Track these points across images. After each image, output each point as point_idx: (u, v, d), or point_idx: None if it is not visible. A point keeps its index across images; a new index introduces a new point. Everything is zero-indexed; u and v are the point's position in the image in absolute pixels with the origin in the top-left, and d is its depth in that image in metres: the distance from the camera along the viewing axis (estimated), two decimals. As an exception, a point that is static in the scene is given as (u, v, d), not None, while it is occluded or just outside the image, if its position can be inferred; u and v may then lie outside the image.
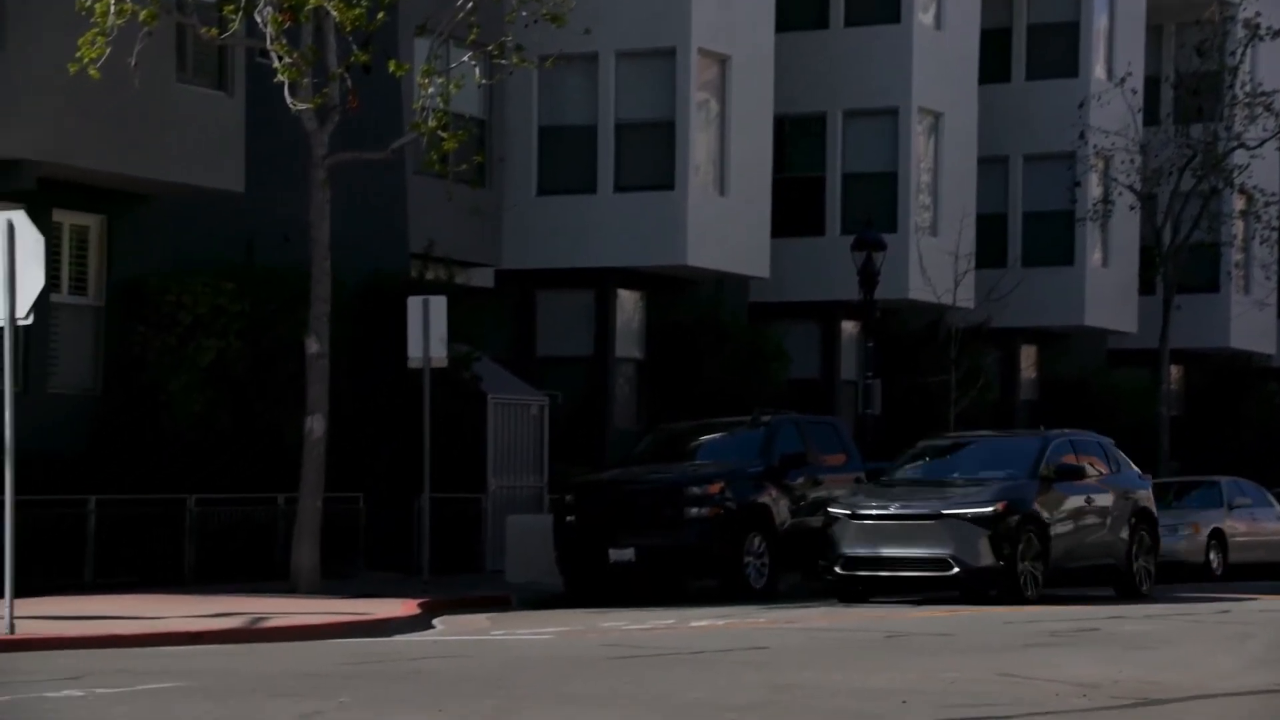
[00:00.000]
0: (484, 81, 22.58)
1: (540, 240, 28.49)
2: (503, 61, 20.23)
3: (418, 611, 17.39)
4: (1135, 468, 22.46)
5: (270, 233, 23.00)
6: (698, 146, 28.43)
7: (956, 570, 19.32)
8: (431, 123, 19.86)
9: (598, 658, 12.88)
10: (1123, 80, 34.41)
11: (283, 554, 20.77)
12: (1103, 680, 10.95)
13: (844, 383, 32.32)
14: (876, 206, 31.22)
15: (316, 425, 19.78)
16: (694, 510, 20.71)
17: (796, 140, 32.10)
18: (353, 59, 19.31)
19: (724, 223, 28.78)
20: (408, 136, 21.03)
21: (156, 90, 20.38)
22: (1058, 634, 15.18)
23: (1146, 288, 36.75)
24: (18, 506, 14.26)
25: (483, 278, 28.47)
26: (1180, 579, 25.79)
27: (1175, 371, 38.43)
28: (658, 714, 9.23)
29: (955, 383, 30.07)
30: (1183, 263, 34.81)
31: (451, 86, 20.05)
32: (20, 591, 14.47)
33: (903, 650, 13.58)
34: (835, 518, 19.96)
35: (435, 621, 17.44)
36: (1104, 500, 21.07)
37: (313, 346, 19.91)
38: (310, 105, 19.52)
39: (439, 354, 21.33)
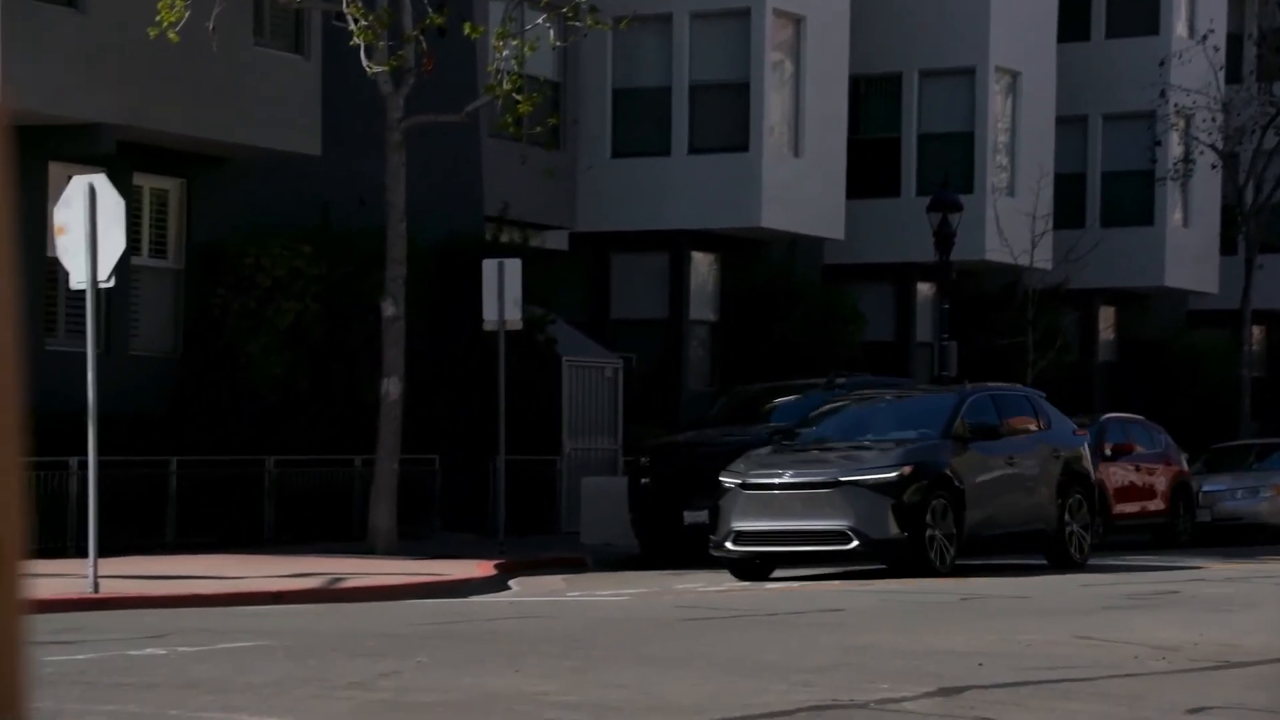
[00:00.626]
0: (558, 43, 22.57)
1: (614, 203, 28.48)
2: (577, 23, 20.23)
3: (494, 573, 17.51)
4: (1070, 423, 20.36)
5: (346, 196, 23.13)
6: (772, 107, 28.31)
7: (856, 544, 17.25)
8: (506, 85, 19.88)
9: (673, 619, 12.93)
10: (1204, 38, 33.97)
11: (360, 515, 20.95)
12: (1182, 643, 10.89)
13: (919, 345, 32.18)
14: (953, 167, 30.99)
15: (393, 388, 19.91)
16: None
17: (872, 101, 31.90)
18: (428, 21, 19.34)
19: (798, 184, 28.66)
20: (483, 99, 21.08)
21: (234, 54, 20.52)
22: (1136, 596, 15.11)
23: (1228, 247, 36.34)
24: (101, 467, 14.45)
25: (557, 240, 28.51)
26: (1262, 541, 25.58)
27: (1256, 332, 38.00)
28: (733, 675, 9.27)
29: (1032, 344, 29.87)
30: (1265, 222, 34.39)
31: (526, 49, 20.06)
32: (103, 551, 14.68)
33: (978, 613, 13.55)
34: (725, 488, 17.87)
35: (511, 583, 17.55)
36: (1030, 460, 19.10)
37: (389, 309, 20.02)
38: (386, 68, 19.58)
39: (514, 317, 21.41)
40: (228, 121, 20.77)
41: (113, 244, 14.23)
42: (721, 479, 18.00)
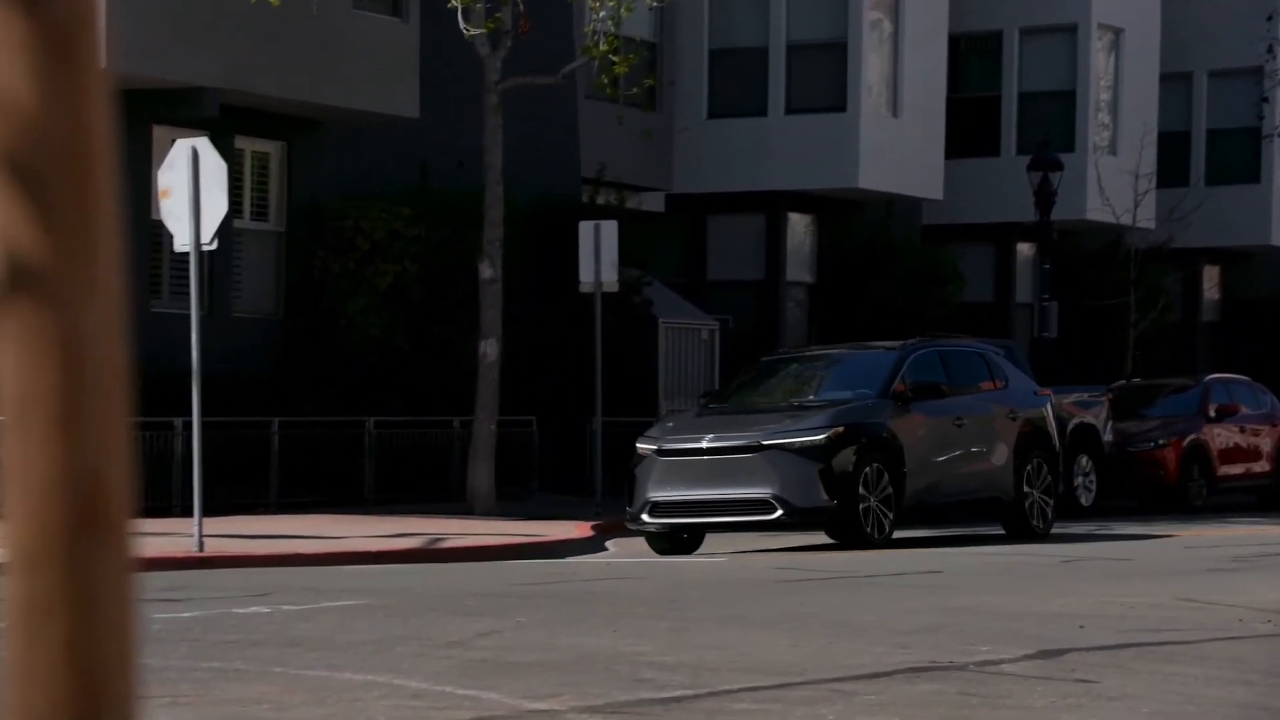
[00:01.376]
0: (655, 4, 22.52)
1: (711, 164, 28.42)
2: (673, -17, 20.14)
3: (591, 534, 17.60)
4: (1031, 383, 18.91)
5: (444, 158, 23.24)
6: (870, 67, 28.10)
7: (780, 513, 15.87)
8: (603, 46, 19.88)
9: (769, 580, 12.94)
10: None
11: (458, 476, 21.11)
12: (1286, 608, 10.75)
13: (1019, 305, 31.90)
14: (1053, 126, 30.66)
15: (490, 349, 20.02)
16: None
17: (971, 59, 31.58)
18: (524, -16, 19.36)
19: (896, 144, 28.46)
20: (579, 60, 21.09)
21: (334, 17, 20.65)
22: (1241, 559, 14.93)
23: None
24: (204, 428, 14.65)
25: (653, 202, 28.50)
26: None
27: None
28: (830, 636, 9.27)
29: (1134, 304, 29.53)
30: (1374, 180, 33.73)
31: (622, 10, 20.04)
32: (207, 511, 14.89)
33: (1079, 575, 13.45)
34: (641, 455, 16.51)
35: (608, 544, 17.63)
36: (982, 422, 17.48)
37: (486, 271, 20.12)
38: (483, 30, 19.63)
39: (610, 278, 21.44)
40: (328, 84, 20.91)
41: (215, 207, 14.39)
42: (637, 445, 16.69)
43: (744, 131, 28.36)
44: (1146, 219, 31.21)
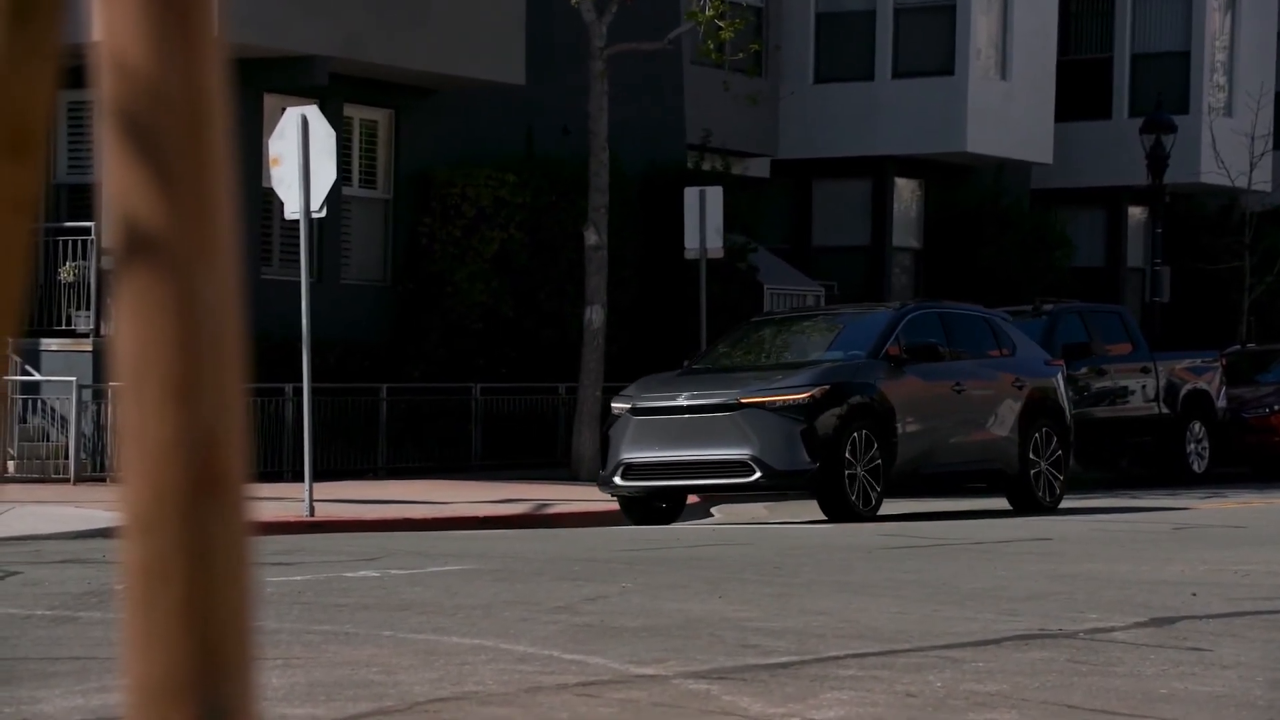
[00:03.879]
0: (760, -32, 22.38)
1: (817, 129, 28.26)
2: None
3: (696, 500, 17.61)
4: (1041, 351, 17.96)
5: (549, 124, 23.28)
6: (979, 30, 27.80)
7: (759, 475, 15.02)
8: (709, 11, 19.81)
9: (876, 547, 12.89)
10: None
11: (564, 442, 21.20)
12: (1405, 578, 10.56)
13: (1130, 270, 31.51)
14: (1167, 87, 30.18)
15: (595, 315, 20.07)
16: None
17: (1083, 20, 31.14)
18: (629, -51, 19.33)
19: (1005, 107, 28.15)
20: (685, 26, 21.02)
21: (439, -15, 20.73)
22: (1356, 530, 14.68)
23: None
24: (314, 394, 14.81)
25: (759, 167, 28.41)
26: None
27: None
28: (937, 603, 9.22)
29: (1249, 268, 29.04)
30: None
31: (728, -26, 19.95)
32: (317, 476, 15.07)
33: (1192, 542, 13.28)
34: (615, 415, 15.72)
35: (713, 510, 17.63)
36: (985, 389, 16.52)
37: (591, 238, 20.16)
38: (588, -3, 19.62)
39: (715, 245, 21.40)
40: (435, 52, 21.01)
41: (324, 175, 14.51)
42: (612, 405, 15.93)
43: (850, 96, 28.17)
44: (1262, 181, 30.67)
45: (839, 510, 15.23)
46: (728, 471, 15.17)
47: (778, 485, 15.32)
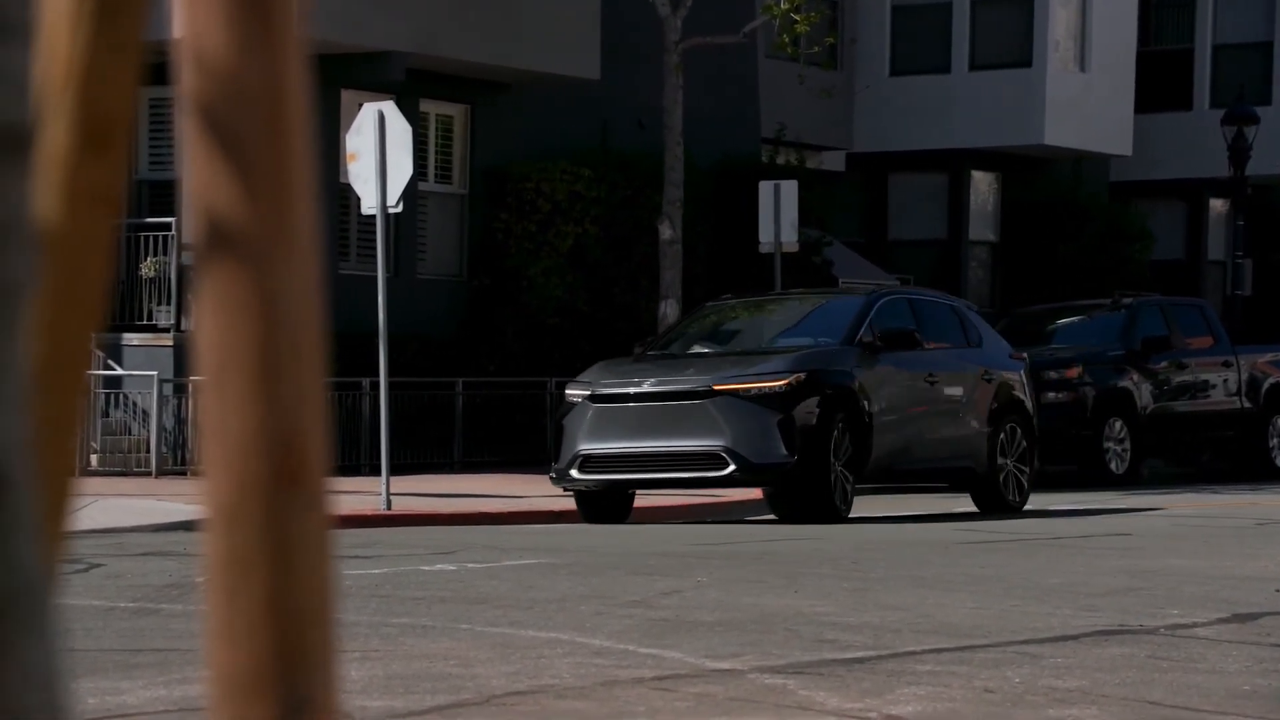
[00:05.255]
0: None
1: (892, 122, 28.13)
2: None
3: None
4: (1005, 344, 16.88)
5: (624, 118, 23.30)
6: (1057, 22, 27.58)
7: (733, 469, 13.85)
8: (784, 5, 19.77)
9: (952, 542, 12.82)
10: None
11: (640, 435, 21.22)
12: None
13: (1211, 263, 31.17)
14: (1249, 78, 29.83)
15: (670, 310, 20.07)
16: (1050, 394, 20.38)
17: (1163, 12, 30.82)
18: (704, -57, 19.32)
19: (1084, 100, 27.92)
20: (760, 20, 20.98)
21: (514, -19, 20.79)
22: None
23: None
24: (390, 388, 14.89)
25: (834, 161, 28.30)
26: None
27: None
28: (1014, 598, 9.16)
29: (1332, 262, 28.67)
30: None
31: (803, -33, 19.90)
32: (394, 470, 15.15)
33: (1274, 538, 13.12)
34: (571, 403, 14.46)
35: (789, 503, 17.56)
36: (956, 381, 15.45)
37: (666, 232, 20.16)
38: (663, -9, 19.62)
39: (790, 239, 21.35)
40: (511, 47, 21.07)
41: (401, 170, 14.58)
42: (566, 392, 14.68)
43: (926, 89, 28.02)
44: (1346, 173, 30.26)
45: (819, 509, 14.03)
46: (699, 464, 13.95)
47: (752, 480, 14.20)
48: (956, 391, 15.45)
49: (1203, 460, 22.98)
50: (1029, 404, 16.21)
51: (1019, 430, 15.86)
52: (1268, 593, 9.35)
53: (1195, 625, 8.25)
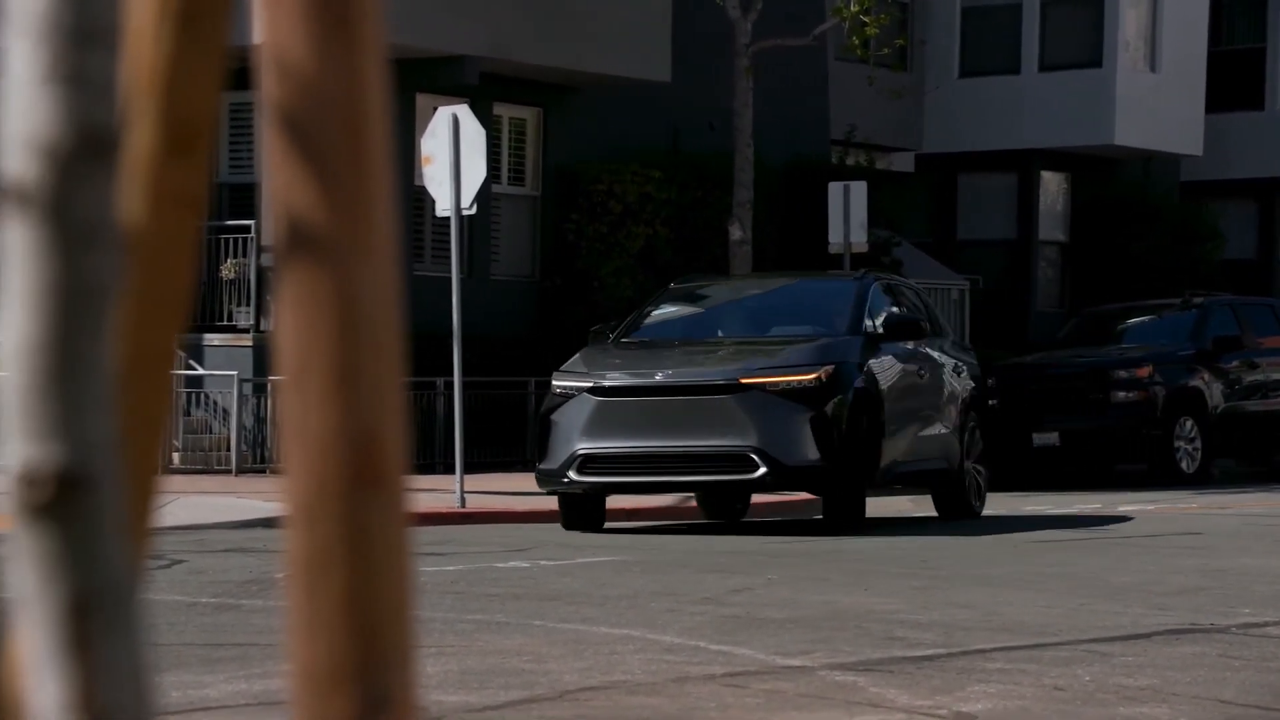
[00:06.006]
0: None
1: (962, 123, 27.96)
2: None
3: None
4: (951, 331, 15.85)
5: (694, 120, 23.28)
6: (1128, 21, 27.33)
7: (764, 471, 12.26)
8: (854, 7, 19.69)
9: (1020, 541, 12.73)
10: None
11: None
12: None
13: (1282, 263, 30.79)
14: (1320, 77, 29.45)
15: (742, 309, 20.05)
16: (1121, 394, 20.21)
17: (1235, 11, 30.47)
18: (774, -54, 19.28)
19: (1154, 100, 27.64)
20: (830, 22, 20.91)
21: (586, -15, 20.83)
22: None
23: None
24: (464, 387, 14.94)
25: (903, 162, 28.17)
26: None
27: None
28: (1084, 596, 9.09)
29: (1405, 262, 28.25)
30: None
31: (873, -31, 19.83)
32: (468, 468, 15.20)
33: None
34: (564, 395, 12.68)
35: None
36: (938, 375, 14.10)
37: (736, 233, 20.12)
38: (733, -6, 19.60)
39: (859, 239, 21.27)
40: (582, 51, 21.10)
41: (475, 172, 14.63)
42: (555, 384, 12.91)
43: (996, 90, 27.83)
44: None
45: (850, 515, 12.65)
46: (725, 466, 12.30)
47: (784, 484, 12.63)
48: (940, 386, 14.06)
49: (1275, 460, 22.69)
50: (984, 400, 15.08)
51: (976, 428, 14.51)
52: (1340, 593, 9.22)
53: (1267, 624, 8.16)
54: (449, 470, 15.48)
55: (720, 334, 13.52)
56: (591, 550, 11.56)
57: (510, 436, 20.61)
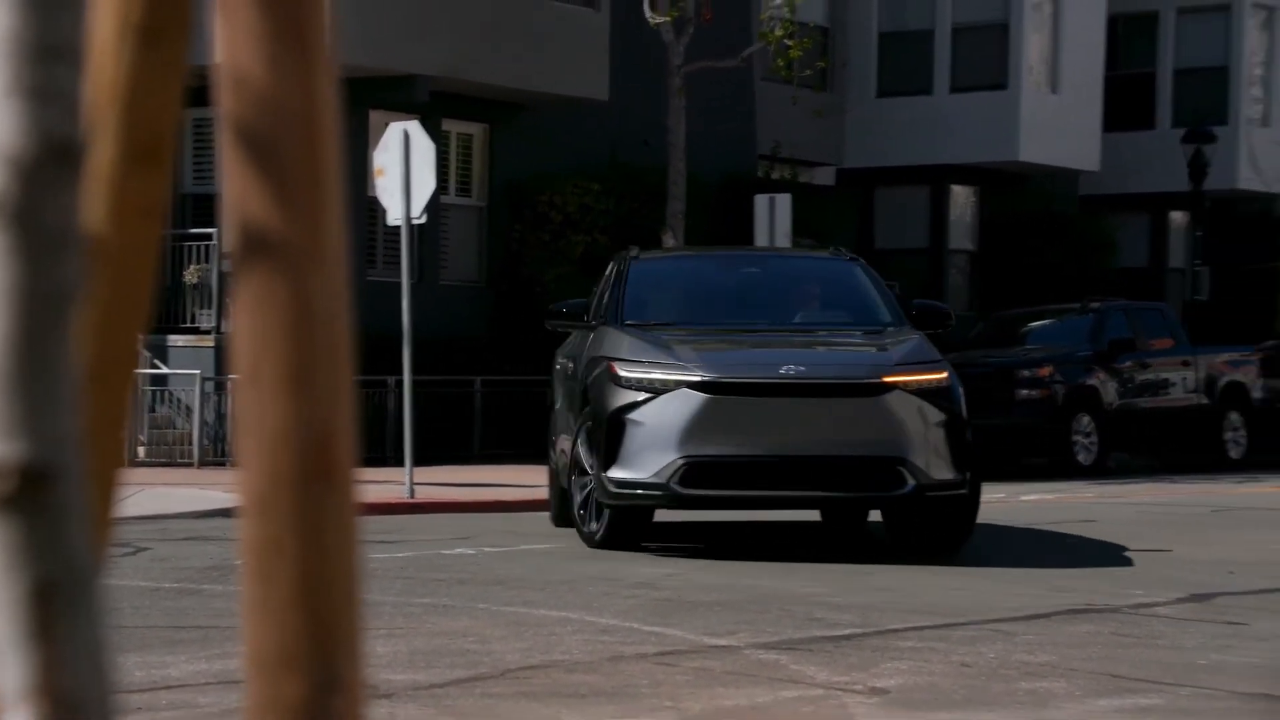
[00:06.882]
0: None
1: (879, 140, 28.11)
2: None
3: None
4: None
5: (631, 136, 23.29)
6: (1031, 47, 27.55)
7: (912, 485, 9.70)
8: (779, 32, 19.74)
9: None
10: None
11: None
12: None
13: (1172, 271, 31.13)
14: (1207, 100, 29.81)
15: (674, 313, 20.09)
16: (1024, 392, 20.38)
17: (1129, 38, 30.79)
18: (705, -26, 19.30)
19: (1055, 119, 27.89)
20: (757, 45, 20.95)
21: (533, 9, 20.79)
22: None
23: None
24: (414, 386, 14.88)
25: (825, 176, 28.29)
26: None
27: None
28: (991, 580, 9.15)
29: (1285, 270, 28.62)
30: None
31: (796, -3, 19.88)
32: (417, 461, 15.14)
33: (1229, 524, 13.10)
34: (646, 388, 9.80)
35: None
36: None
37: (669, 241, 20.14)
38: (668, 19, 19.60)
39: (784, 248, 21.32)
40: (527, 71, 21.07)
41: (425, 184, 14.57)
42: (625, 373, 9.88)
43: (911, 109, 28.00)
44: (1297, 188, 30.26)
45: (958, 540, 10.23)
46: (865, 480, 9.72)
47: (926, 502, 9.86)
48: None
49: (1164, 453, 22.95)
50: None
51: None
52: (1222, 574, 9.33)
53: (1156, 604, 8.24)
54: (399, 463, 15.41)
55: (759, 320, 10.65)
56: (534, 538, 11.53)
57: (459, 432, 20.55)
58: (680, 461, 9.73)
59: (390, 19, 19.53)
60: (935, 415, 9.75)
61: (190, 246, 19.61)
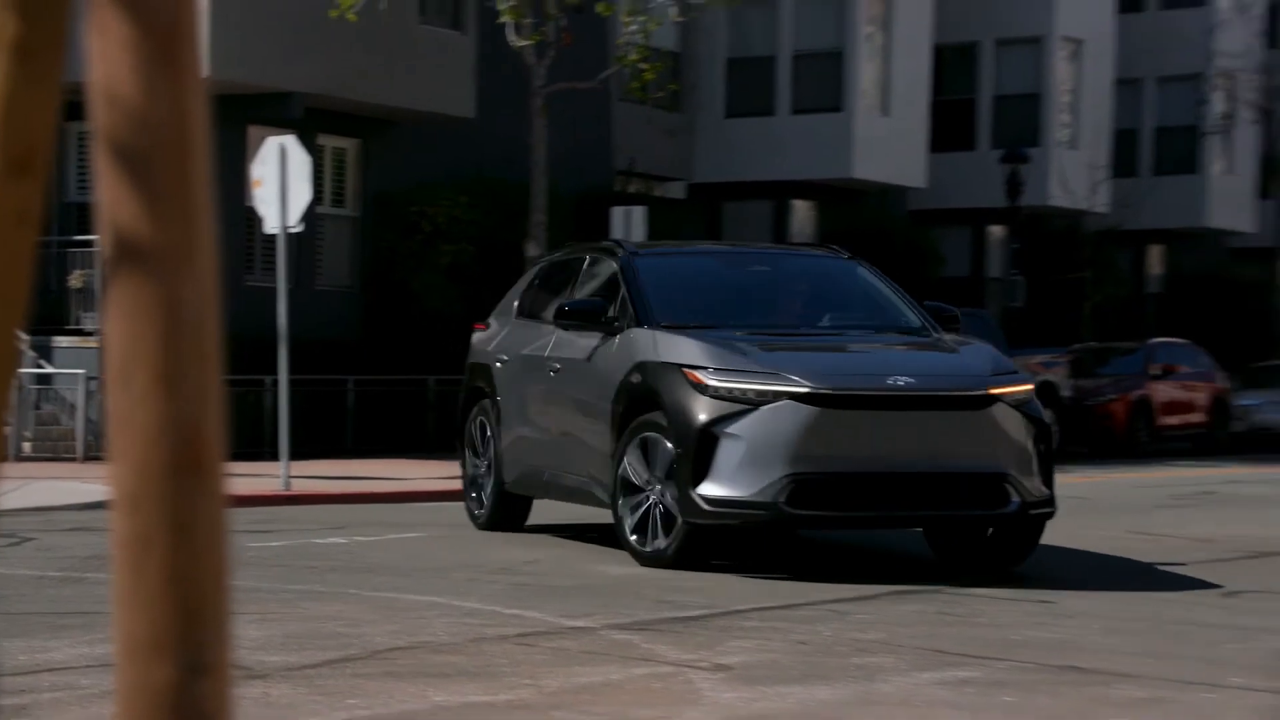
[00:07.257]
0: (679, 19, 22.39)
1: (727, 157, 28.35)
2: (696, 0, 20.06)
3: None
4: None
5: (496, 152, 23.22)
6: (864, 73, 27.98)
7: (1016, 503, 8.60)
8: (634, 56, 19.81)
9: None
10: (1248, 7, 33.04)
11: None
12: (1217, 536, 10.72)
13: (991, 280, 31.81)
14: (1022, 124, 30.53)
15: (536, 317, 20.05)
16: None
17: (953, 66, 31.42)
18: (567, 1, 19.30)
19: (887, 140, 28.35)
20: (613, 68, 21.00)
21: (402, 31, 20.62)
22: (1180, 497, 14.86)
23: (1266, 193, 35.54)
24: (290, 385, 14.68)
25: (677, 190, 28.45)
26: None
27: (1291, 269, 37.08)
28: (831, 567, 9.24)
29: (1091, 279, 29.40)
30: (1299, 170, 33.51)
31: (651, 24, 19.97)
32: (293, 455, 14.93)
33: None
34: (740, 400, 8.50)
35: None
36: None
37: (532, 250, 20.11)
38: (530, 42, 19.57)
39: (639, 256, 21.39)
40: (398, 89, 20.90)
41: (300, 195, 14.39)
42: (717, 383, 8.53)
43: (755, 128, 28.27)
44: (1101, 205, 31.10)
45: (1018, 558, 9.12)
46: (976, 498, 8.55)
47: (1024, 522, 8.75)
48: None
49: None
50: None
51: None
52: (1038, 558, 9.53)
53: (976, 585, 8.40)
54: (276, 457, 15.18)
55: (792, 322, 9.45)
56: (403, 528, 11.44)
57: (333, 428, 20.33)
58: (788, 479, 8.35)
59: (268, 39, 19.26)
60: (1029, 428, 8.71)
61: (76, 253, 19.19)
